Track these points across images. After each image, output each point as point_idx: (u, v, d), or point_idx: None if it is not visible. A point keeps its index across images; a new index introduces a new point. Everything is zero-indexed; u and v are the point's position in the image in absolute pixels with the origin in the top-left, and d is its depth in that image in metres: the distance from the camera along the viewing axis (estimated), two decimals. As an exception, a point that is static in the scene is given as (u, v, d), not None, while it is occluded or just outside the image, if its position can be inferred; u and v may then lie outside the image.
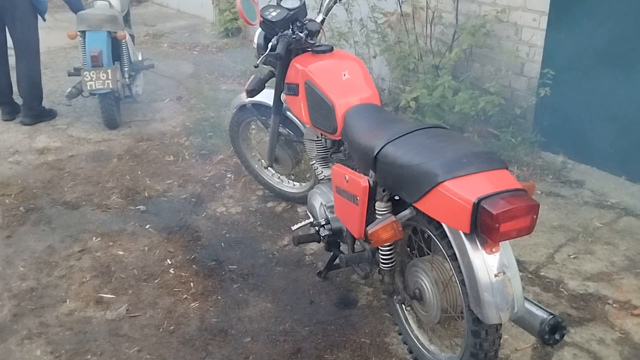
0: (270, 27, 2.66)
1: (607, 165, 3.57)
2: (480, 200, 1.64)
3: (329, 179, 2.61)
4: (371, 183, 2.07)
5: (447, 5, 4.17)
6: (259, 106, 3.12)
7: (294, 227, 2.73)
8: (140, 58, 4.92)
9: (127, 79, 4.60)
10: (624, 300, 2.55)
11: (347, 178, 2.15)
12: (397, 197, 2.07)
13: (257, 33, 2.85)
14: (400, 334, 2.34)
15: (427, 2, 4.15)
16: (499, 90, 3.76)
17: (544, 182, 3.54)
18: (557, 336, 1.83)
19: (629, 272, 2.74)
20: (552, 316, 1.83)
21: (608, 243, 2.96)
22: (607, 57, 3.39)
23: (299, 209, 3.36)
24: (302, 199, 3.25)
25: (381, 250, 2.17)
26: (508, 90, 3.96)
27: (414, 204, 1.87)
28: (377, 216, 2.09)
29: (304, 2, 2.72)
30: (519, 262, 2.46)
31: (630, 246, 2.92)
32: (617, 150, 3.48)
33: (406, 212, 1.98)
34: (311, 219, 2.65)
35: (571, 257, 2.86)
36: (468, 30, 3.82)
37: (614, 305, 2.53)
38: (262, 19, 2.64)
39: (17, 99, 4.68)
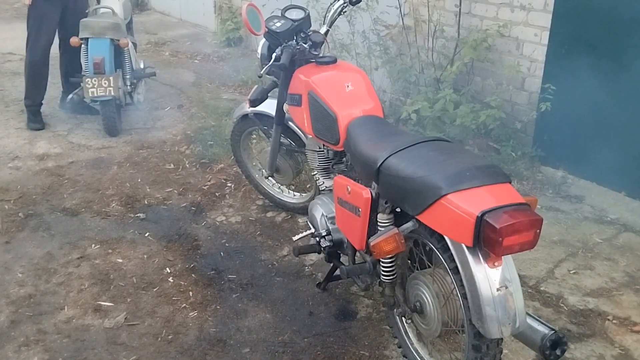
0: (274, 38, 2.67)
1: (607, 180, 3.58)
2: (483, 213, 1.64)
3: (331, 190, 2.61)
4: (373, 195, 2.06)
5: (449, 19, 4.19)
6: (261, 116, 3.12)
7: (295, 238, 2.72)
8: (142, 66, 4.93)
9: (128, 87, 4.60)
10: (623, 317, 2.55)
11: (349, 189, 2.15)
12: (399, 209, 2.07)
13: (261, 43, 2.86)
14: (399, 347, 2.33)
15: (429, 15, 4.18)
16: (499, 104, 3.77)
17: (544, 196, 3.55)
18: (558, 352, 1.83)
19: (629, 288, 2.74)
20: (553, 331, 1.83)
21: (608, 259, 2.96)
22: (608, 73, 3.40)
23: (299, 220, 3.35)
24: (302, 210, 3.25)
25: (382, 262, 2.16)
26: (509, 105, 3.97)
27: (417, 217, 1.87)
28: (379, 228, 2.09)
29: (308, 14, 2.74)
30: (519, 277, 2.45)
31: (630, 262, 2.92)
32: (617, 166, 3.49)
33: (408, 225, 1.98)
34: (312, 230, 2.64)
35: (571, 272, 2.86)
36: (470, 44, 3.84)
37: (614, 321, 2.53)
38: (266, 30, 2.65)
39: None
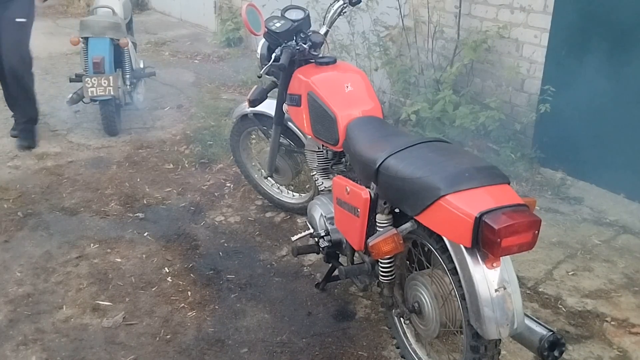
0: (274, 38, 2.67)
1: (606, 182, 3.58)
2: (482, 214, 1.64)
3: (329, 190, 2.61)
4: (372, 195, 2.06)
5: (449, 20, 4.20)
6: (260, 116, 3.12)
7: (294, 238, 2.72)
8: (141, 65, 4.93)
9: (128, 86, 4.60)
10: (622, 318, 2.55)
11: (348, 190, 2.15)
12: (397, 210, 2.07)
13: (261, 43, 2.87)
14: (398, 348, 2.33)
15: (429, 16, 4.18)
16: (499, 105, 3.78)
17: (543, 198, 3.55)
18: (556, 353, 1.83)
19: (627, 290, 2.74)
20: (551, 333, 1.83)
21: (606, 260, 2.96)
22: (607, 74, 3.40)
23: (298, 220, 3.35)
24: (301, 210, 3.25)
25: (381, 263, 2.16)
26: (508, 106, 3.98)
27: (415, 217, 1.87)
28: (378, 229, 2.09)
29: (308, 14, 2.74)
30: (517, 278, 2.46)
31: (629, 264, 2.92)
32: (616, 168, 3.49)
33: (407, 225, 1.98)
34: (311, 230, 2.64)
35: (570, 273, 2.86)
36: (469, 46, 3.84)
37: (612, 323, 2.52)
38: (266, 30, 2.65)
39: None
